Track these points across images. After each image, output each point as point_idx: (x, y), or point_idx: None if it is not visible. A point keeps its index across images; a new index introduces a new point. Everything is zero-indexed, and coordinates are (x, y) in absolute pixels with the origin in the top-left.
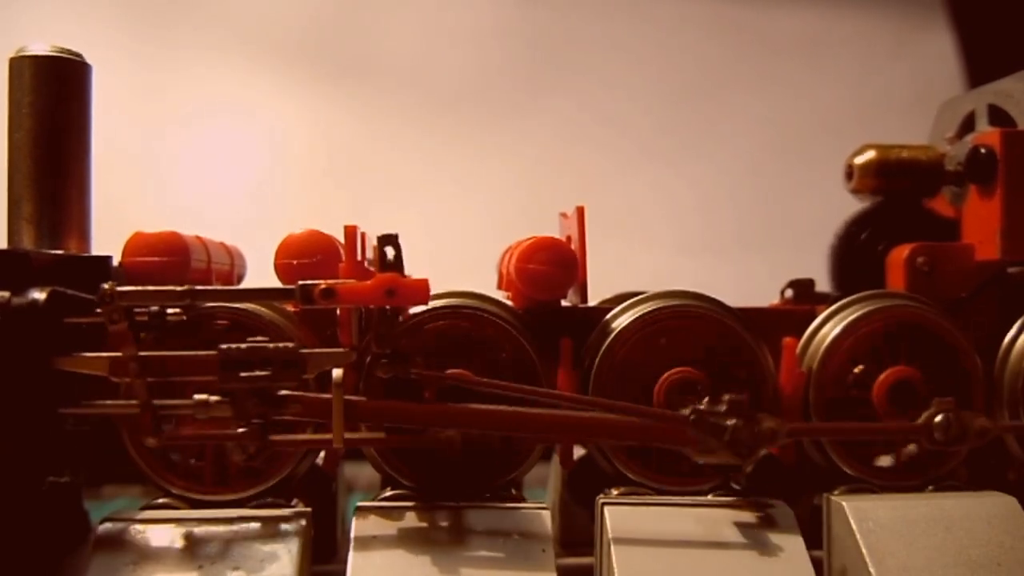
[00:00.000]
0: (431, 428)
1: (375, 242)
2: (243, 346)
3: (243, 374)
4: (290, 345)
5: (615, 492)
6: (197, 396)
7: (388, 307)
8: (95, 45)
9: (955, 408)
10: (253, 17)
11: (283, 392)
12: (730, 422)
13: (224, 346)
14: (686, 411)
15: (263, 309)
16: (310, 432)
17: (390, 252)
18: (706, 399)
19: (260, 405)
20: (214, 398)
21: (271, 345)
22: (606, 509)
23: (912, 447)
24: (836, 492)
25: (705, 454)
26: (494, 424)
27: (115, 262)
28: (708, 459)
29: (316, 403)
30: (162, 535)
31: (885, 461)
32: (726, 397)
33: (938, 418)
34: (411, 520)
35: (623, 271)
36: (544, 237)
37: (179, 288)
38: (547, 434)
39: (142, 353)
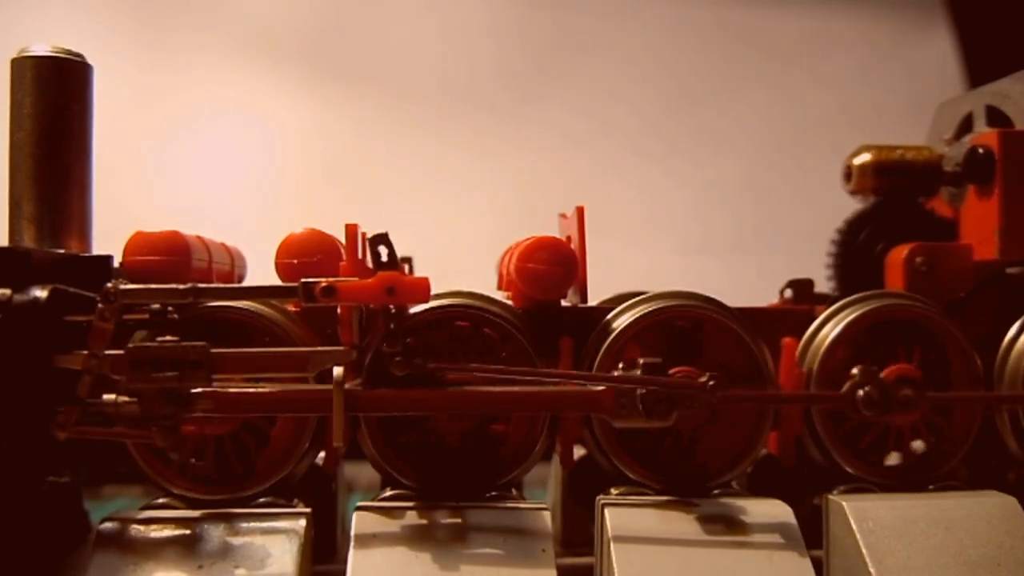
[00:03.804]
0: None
1: None
2: (151, 345)
3: (153, 374)
4: (199, 345)
5: (615, 492)
6: (106, 396)
7: (393, 305)
8: (96, 46)
9: (879, 377)
10: (254, 19)
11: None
12: (641, 390)
13: (132, 345)
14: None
15: (265, 308)
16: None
17: (383, 251)
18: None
19: (169, 405)
20: (123, 398)
21: (180, 345)
22: (606, 509)
23: (919, 444)
24: (836, 492)
25: (623, 419)
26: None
27: (116, 262)
28: (627, 424)
29: (227, 398)
30: (162, 535)
31: (894, 458)
32: (641, 361)
33: (864, 389)
34: (411, 520)
35: (623, 271)
36: (544, 236)
37: (182, 286)
38: (464, 408)
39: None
